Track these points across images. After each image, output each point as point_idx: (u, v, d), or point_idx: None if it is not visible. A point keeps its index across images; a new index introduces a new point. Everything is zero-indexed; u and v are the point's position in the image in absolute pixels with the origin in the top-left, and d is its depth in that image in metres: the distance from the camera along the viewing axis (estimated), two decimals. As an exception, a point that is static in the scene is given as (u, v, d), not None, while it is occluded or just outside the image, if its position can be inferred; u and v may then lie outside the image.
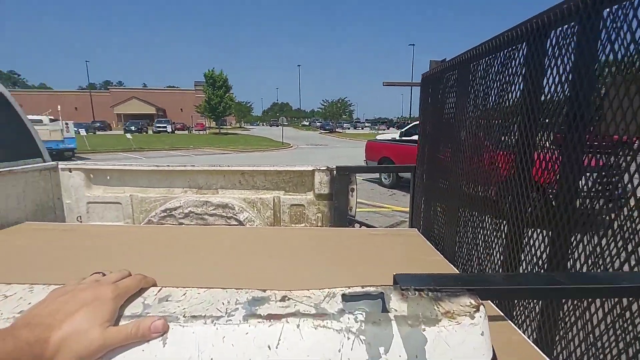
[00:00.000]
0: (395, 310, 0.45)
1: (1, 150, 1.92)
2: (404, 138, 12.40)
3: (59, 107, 15.75)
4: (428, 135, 2.04)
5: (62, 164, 2.20)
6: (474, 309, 0.46)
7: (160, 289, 0.51)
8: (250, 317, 0.43)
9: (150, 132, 36.58)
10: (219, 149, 20.80)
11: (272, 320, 0.43)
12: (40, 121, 14.12)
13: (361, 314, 0.44)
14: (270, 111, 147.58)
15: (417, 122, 11.97)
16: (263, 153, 19.56)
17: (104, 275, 0.51)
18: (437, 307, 0.46)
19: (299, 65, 79.81)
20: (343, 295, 0.49)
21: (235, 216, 2.12)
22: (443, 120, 1.80)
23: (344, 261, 1.30)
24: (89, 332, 0.41)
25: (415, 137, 10.62)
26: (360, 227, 2.22)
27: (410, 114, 54.72)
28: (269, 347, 0.41)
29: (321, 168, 2.15)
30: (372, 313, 0.44)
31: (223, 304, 0.46)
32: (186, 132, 40.81)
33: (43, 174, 2.10)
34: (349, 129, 57.22)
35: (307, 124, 78.16)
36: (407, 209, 2.30)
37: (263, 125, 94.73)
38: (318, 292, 0.50)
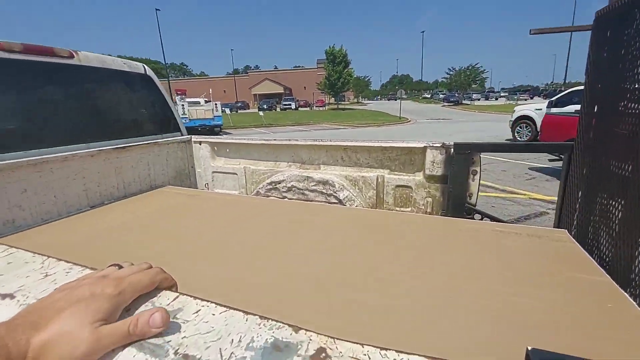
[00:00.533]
0: None
1: (150, 125, 2.31)
2: (552, 110, 9.96)
3: (210, 90, 18.96)
4: (600, 102, 1.41)
5: (194, 138, 2.52)
6: None
7: (176, 297, 0.40)
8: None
9: (278, 109, 40.63)
10: (336, 124, 21.44)
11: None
12: (198, 102, 17.43)
13: None
14: (389, 84, 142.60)
15: (575, 89, 9.48)
16: (378, 128, 19.13)
17: (120, 267, 0.43)
18: None
19: (422, 32, 73.38)
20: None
21: (335, 194, 2.02)
22: (629, 78, 1.19)
23: (456, 265, 1.00)
24: (76, 332, 0.35)
25: (571, 108, 8.40)
26: (482, 219, 1.80)
27: (565, 79, 43.61)
28: None
29: (435, 145, 1.80)
30: None
31: (231, 342, 0.31)
32: (308, 108, 43.59)
33: (180, 145, 2.46)
34: (478, 100, 50.11)
35: (429, 96, 72.27)
36: (550, 198, 1.72)
37: (380, 99, 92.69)
38: (375, 353, 0.29)
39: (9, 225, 1.58)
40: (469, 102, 44.67)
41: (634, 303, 0.83)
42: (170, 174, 2.38)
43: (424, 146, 1.83)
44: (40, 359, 0.33)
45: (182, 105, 15.44)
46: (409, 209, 1.95)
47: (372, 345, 0.31)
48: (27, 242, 1.26)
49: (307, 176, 2.09)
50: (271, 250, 1.13)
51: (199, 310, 0.39)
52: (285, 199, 2.14)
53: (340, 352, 0.31)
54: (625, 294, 0.99)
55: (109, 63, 2.09)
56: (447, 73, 48.25)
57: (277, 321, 0.36)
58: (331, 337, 0.32)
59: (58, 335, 0.34)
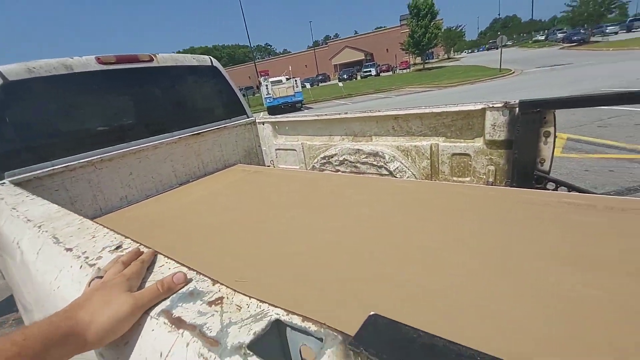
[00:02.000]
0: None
1: (220, 111, 2.59)
2: None
3: (289, 67, 19.55)
4: None
5: (258, 119, 2.74)
6: None
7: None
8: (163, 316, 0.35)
9: (359, 77, 39.57)
10: (421, 86, 19.86)
11: (173, 326, 0.33)
12: (280, 81, 18.27)
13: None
14: (489, 31, 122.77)
15: None
16: (470, 86, 16.97)
17: (101, 277, 0.54)
18: None
19: (532, -42, 59.72)
20: (277, 322, 0.32)
21: (385, 165, 1.97)
22: None
23: (515, 246, 0.91)
24: (116, 298, 0.46)
25: None
26: (556, 188, 1.53)
27: None
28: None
29: (495, 105, 1.57)
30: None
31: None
32: (390, 73, 41.23)
33: (247, 127, 2.70)
34: (615, 33, 39.00)
35: (543, 38, 59.75)
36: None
37: (475, 51, 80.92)
38: (255, 307, 0.34)
39: (123, 200, 2.05)
40: (600, 39, 35.27)
41: None
42: (240, 154, 2.67)
43: (483, 108, 1.61)
44: (91, 326, 0.43)
45: (266, 85, 16.41)
46: (468, 179, 1.79)
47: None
48: (136, 211, 1.66)
49: (358, 149, 2.08)
50: (311, 227, 1.22)
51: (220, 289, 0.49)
52: (339, 172, 2.19)
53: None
54: None
55: (181, 60, 2.39)
56: (569, 5, 38.69)
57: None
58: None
59: (103, 303, 0.45)
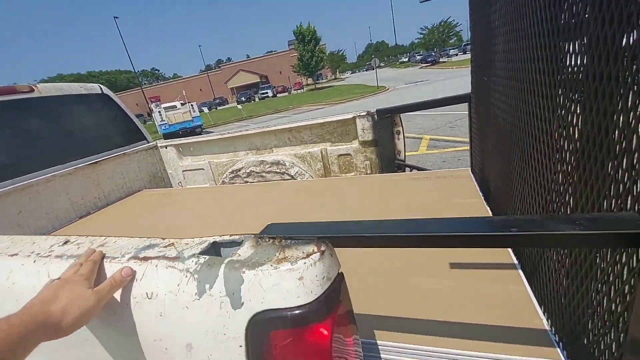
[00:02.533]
0: (239, 255, 0.51)
1: (117, 138, 2.55)
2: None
3: (183, 92, 18.72)
4: (477, 54, 1.68)
5: (159, 142, 2.77)
6: (314, 258, 0.47)
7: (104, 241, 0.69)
8: (132, 259, 0.56)
9: (257, 99, 40.19)
10: (315, 104, 21.43)
11: (142, 261, 0.55)
12: (175, 106, 17.31)
13: (204, 258, 0.52)
14: (365, 54, 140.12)
15: None
16: (357, 102, 19.20)
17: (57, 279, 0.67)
18: (279, 254, 0.49)
19: (390, -5, 71.42)
20: (214, 243, 0.57)
21: (287, 171, 2.30)
22: (488, 31, 1.45)
23: (384, 208, 1.40)
24: (83, 293, 0.56)
25: None
26: (411, 170, 2.10)
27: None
28: (136, 279, 0.54)
29: (361, 114, 2.08)
30: (211, 258, 0.51)
31: (129, 249, 0.61)
32: (286, 94, 43.12)
33: (149, 152, 2.71)
34: (456, 55, 49.65)
35: (406, 60, 71.44)
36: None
37: (358, 72, 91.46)
38: (197, 240, 0.59)
39: (9, 245, 1.86)
40: (446, 59, 44.43)
41: (490, 212, 1.18)
42: (145, 179, 2.65)
43: (354, 116, 2.10)
44: (65, 317, 0.52)
45: (159, 112, 15.37)
46: (353, 173, 2.25)
47: (198, 238, 0.59)
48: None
49: (262, 160, 2.37)
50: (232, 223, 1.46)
51: (117, 240, 0.67)
52: (247, 183, 2.43)
53: (182, 243, 0.60)
54: (489, 209, 1.32)
55: (67, 89, 2.30)
56: (420, 33, 47.67)
57: (157, 238, 0.64)
58: (181, 239, 0.61)
59: (71, 299, 0.54)
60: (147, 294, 0.52)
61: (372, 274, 0.99)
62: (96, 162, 2.29)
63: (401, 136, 2.07)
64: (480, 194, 1.46)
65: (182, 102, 18.45)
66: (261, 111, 23.58)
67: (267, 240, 0.53)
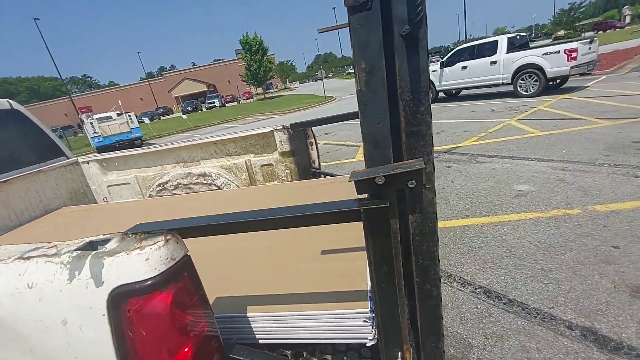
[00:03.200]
0: (105, 248, 0.67)
1: (31, 155, 2.46)
2: (445, 70, 11.32)
3: (119, 101, 17.61)
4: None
5: (81, 158, 2.72)
6: (153, 244, 0.64)
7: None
8: (17, 259, 0.69)
9: (204, 109, 38.98)
10: (264, 114, 21.47)
11: (25, 260, 0.68)
12: (110, 117, 16.17)
13: (77, 252, 0.67)
14: (314, 64, 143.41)
15: (460, 48, 10.58)
16: (305, 111, 19.65)
17: None
18: (137, 244, 0.66)
19: (334, 8, 74.53)
20: (90, 242, 0.72)
21: (214, 182, 2.43)
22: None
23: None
24: None
25: (459, 65, 9.77)
26: (324, 177, 2.36)
27: (465, 36, 48.21)
28: (19, 274, 0.67)
29: (278, 128, 2.30)
30: (82, 252, 0.67)
31: (16, 252, 0.73)
32: (235, 103, 42.45)
33: (68, 168, 2.64)
34: (397, 68, 53.08)
35: (352, 71, 74.38)
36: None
37: (308, 82, 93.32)
38: (77, 240, 0.73)
39: None
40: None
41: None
42: (64, 196, 2.58)
43: (272, 130, 2.31)
44: None
45: (91, 123, 14.26)
46: (276, 182, 2.45)
47: (80, 239, 0.74)
48: None
49: (189, 172, 2.47)
50: None
51: (7, 248, 0.78)
52: (175, 195, 2.50)
53: (65, 243, 0.74)
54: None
55: (-31, 105, 2.20)
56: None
57: (45, 243, 0.77)
58: (69, 242, 0.75)
59: None
60: (27, 284, 0.65)
61: (246, 264, 1.19)
62: (5, 181, 2.20)
63: (314, 147, 2.32)
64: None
65: (118, 112, 17.29)
66: (209, 121, 22.96)
67: (130, 236, 0.69)
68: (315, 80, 77.76)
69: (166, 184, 2.51)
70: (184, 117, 23.17)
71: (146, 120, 21.90)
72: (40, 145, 2.54)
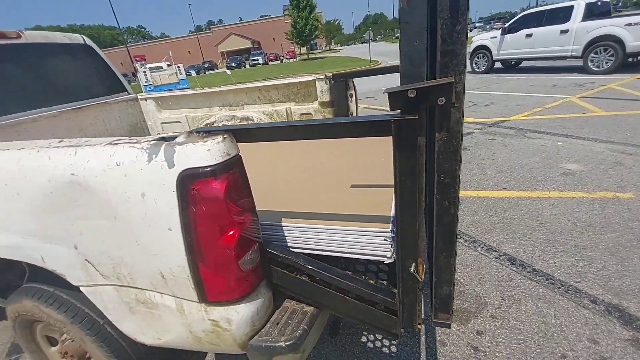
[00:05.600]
0: (175, 140, 0.81)
1: (99, 88, 2.74)
2: (506, 36, 10.30)
3: (170, 53, 18.19)
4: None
5: (140, 95, 2.97)
6: (214, 139, 0.77)
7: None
8: (107, 144, 0.86)
9: (248, 66, 39.15)
10: (306, 75, 21.17)
11: (113, 145, 0.84)
12: (161, 67, 16.90)
13: (155, 142, 0.81)
14: (362, 26, 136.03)
15: (525, 13, 9.50)
16: (348, 74, 19.06)
17: None
18: (200, 141, 0.79)
19: (392, -36, 68.45)
20: (162, 137, 0.87)
21: (255, 126, 2.58)
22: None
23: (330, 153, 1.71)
24: None
25: (523, 33, 8.87)
26: (361, 130, 2.41)
27: (537, 3, 42.72)
28: (109, 155, 0.83)
29: (320, 77, 2.34)
30: (157, 141, 0.81)
31: (104, 141, 0.90)
32: (278, 62, 42.05)
33: (129, 103, 2.91)
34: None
35: (403, 35, 69.66)
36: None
37: (354, 44, 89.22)
38: (153, 136, 0.88)
39: None
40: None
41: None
42: (125, 128, 2.87)
43: (314, 79, 2.36)
44: None
45: (144, 72, 15.03)
46: (314, 131, 2.55)
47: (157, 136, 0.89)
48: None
49: (233, 115, 2.63)
50: None
51: None
52: (220, 136, 2.69)
53: (143, 139, 0.89)
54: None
55: (52, 38, 2.46)
56: (419, 8, 46.35)
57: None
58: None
59: None
60: (116, 162, 0.82)
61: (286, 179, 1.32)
62: (79, 108, 2.50)
63: (353, 99, 2.35)
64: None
65: (168, 63, 17.98)
66: (251, 78, 23.16)
67: (194, 134, 0.83)
68: (362, 43, 74.21)
69: (212, 124, 2.70)
70: (228, 72, 23.41)
71: (193, 73, 22.56)
72: (107, 79, 2.80)
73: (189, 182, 0.76)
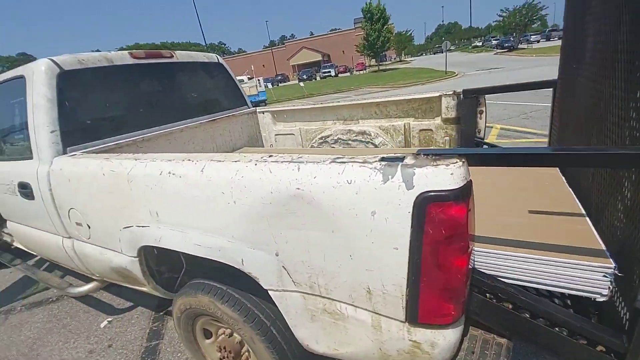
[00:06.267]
0: (406, 161, 0.83)
1: (227, 101, 3.05)
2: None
3: (252, 67, 19.72)
4: (568, 41, 1.75)
5: (258, 109, 3.23)
6: (454, 163, 0.77)
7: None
8: (332, 162, 0.91)
9: (318, 78, 40.53)
10: (378, 86, 21.12)
11: (340, 163, 0.89)
12: (242, 80, 18.41)
13: (387, 163, 0.84)
14: (434, 36, 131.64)
15: None
16: (422, 87, 18.54)
17: None
18: (432, 162, 0.80)
19: (470, -29, 65.37)
20: (382, 157, 0.90)
21: (371, 141, 2.60)
22: (583, 18, 1.52)
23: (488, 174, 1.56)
24: None
25: None
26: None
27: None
28: (338, 173, 0.88)
29: (448, 93, 2.27)
30: (390, 161, 0.83)
31: (324, 159, 0.96)
32: (348, 74, 42.73)
33: (249, 116, 3.19)
34: (537, 42, 44.62)
35: (480, 44, 65.75)
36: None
37: (424, 55, 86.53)
38: (370, 155, 0.92)
39: (156, 176, 2.44)
40: (525, 46, 40.17)
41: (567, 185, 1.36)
42: (244, 139, 3.14)
43: (440, 95, 2.30)
44: None
45: (230, 84, 16.47)
46: (431, 147, 2.47)
47: (372, 155, 0.93)
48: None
49: (349, 129, 2.69)
50: None
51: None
52: (333, 148, 2.78)
53: (369, 156, 0.94)
54: (564, 178, 1.48)
55: (195, 57, 2.82)
56: (500, 15, 43.30)
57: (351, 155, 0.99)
58: (366, 155, 0.95)
59: None
60: (347, 180, 0.86)
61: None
62: (214, 120, 2.81)
63: (484, 116, 2.23)
64: (560, 175, 1.61)
65: (249, 76, 19.50)
66: (322, 90, 23.90)
67: (422, 155, 0.84)
68: (434, 53, 71.62)
69: (327, 137, 2.80)
70: (301, 84, 24.62)
71: (269, 85, 24.09)
72: (233, 94, 3.11)
73: (429, 205, 0.76)
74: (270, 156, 1.10)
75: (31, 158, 1.96)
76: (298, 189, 0.93)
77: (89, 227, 1.72)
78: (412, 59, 68.04)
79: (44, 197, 1.89)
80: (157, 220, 1.34)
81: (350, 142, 2.71)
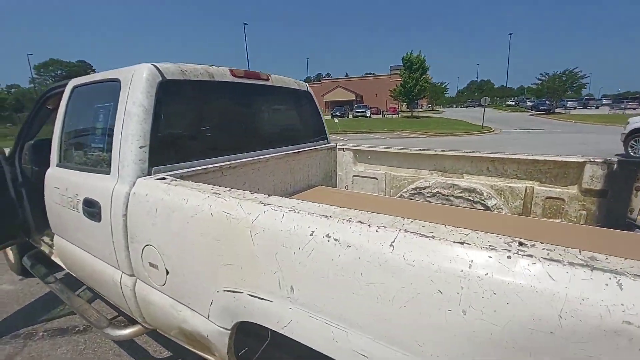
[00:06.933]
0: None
1: (310, 133, 2.78)
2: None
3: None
4: None
5: (338, 145, 2.95)
6: None
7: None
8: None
9: (350, 116, 41.27)
10: (412, 132, 21.03)
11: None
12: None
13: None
14: (466, 91, 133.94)
15: None
16: (460, 138, 18.24)
17: None
18: None
19: (510, 34, 67.29)
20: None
21: (482, 201, 2.21)
22: None
23: None
24: None
25: None
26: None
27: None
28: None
29: (596, 160, 1.88)
30: None
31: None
32: (380, 116, 43.35)
33: (328, 152, 2.90)
34: (574, 108, 44.21)
35: (513, 103, 65.92)
36: None
37: (456, 107, 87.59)
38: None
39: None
40: (562, 111, 39.68)
41: None
42: (320, 176, 2.83)
43: (584, 161, 1.92)
44: None
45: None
46: (559, 221, 2.05)
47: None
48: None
49: (453, 184, 2.32)
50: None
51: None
52: (429, 203, 2.40)
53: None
54: None
55: (287, 82, 2.60)
56: (539, 79, 43.39)
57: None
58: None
59: None
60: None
61: None
62: (297, 152, 2.52)
63: (642, 194, 1.81)
64: None
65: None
66: (356, 128, 24.06)
67: None
68: (467, 107, 72.26)
69: (423, 189, 2.44)
70: (336, 120, 24.90)
71: (305, 117, 24.49)
72: (316, 125, 2.85)
73: None
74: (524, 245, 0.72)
75: (108, 173, 1.69)
76: (626, 322, 0.54)
77: (167, 273, 1.38)
78: (444, 109, 68.73)
79: (114, 223, 1.59)
80: (288, 298, 0.96)
81: (452, 197, 2.33)
